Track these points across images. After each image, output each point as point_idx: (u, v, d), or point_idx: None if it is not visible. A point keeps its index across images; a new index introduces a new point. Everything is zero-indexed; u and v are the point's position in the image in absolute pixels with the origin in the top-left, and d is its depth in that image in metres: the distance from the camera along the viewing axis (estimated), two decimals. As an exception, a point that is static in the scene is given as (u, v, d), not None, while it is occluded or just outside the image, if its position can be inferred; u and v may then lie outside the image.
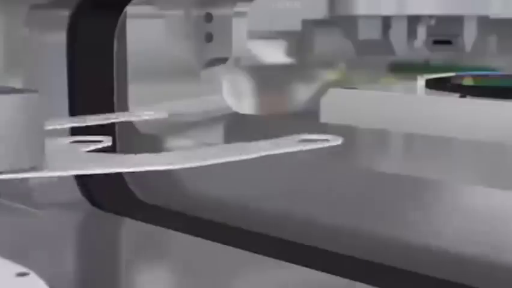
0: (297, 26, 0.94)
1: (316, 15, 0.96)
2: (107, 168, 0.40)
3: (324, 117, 0.79)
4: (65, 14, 0.68)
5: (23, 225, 0.61)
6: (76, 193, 0.69)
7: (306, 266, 0.53)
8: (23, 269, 0.34)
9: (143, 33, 0.76)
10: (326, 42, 0.99)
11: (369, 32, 0.98)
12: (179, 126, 0.75)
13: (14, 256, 0.37)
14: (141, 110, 0.47)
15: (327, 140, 0.43)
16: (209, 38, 0.83)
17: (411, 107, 0.71)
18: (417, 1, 0.97)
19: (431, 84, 0.81)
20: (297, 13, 0.93)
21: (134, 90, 0.73)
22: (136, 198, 0.73)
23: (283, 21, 0.92)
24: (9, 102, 0.36)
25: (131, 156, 0.41)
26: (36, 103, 0.37)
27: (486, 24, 0.97)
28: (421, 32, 0.98)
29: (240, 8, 0.82)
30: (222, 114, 0.80)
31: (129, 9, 0.72)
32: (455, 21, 0.97)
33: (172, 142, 0.71)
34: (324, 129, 0.66)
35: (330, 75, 1.02)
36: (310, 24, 0.96)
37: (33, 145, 0.37)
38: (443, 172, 0.58)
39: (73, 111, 0.68)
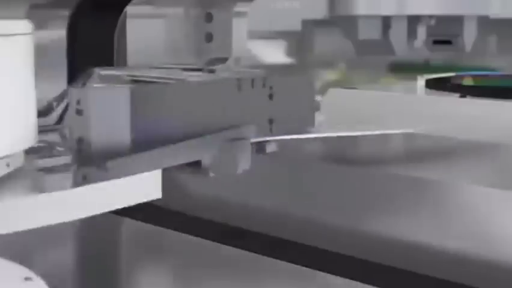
0: (297, 26, 0.94)
1: (316, 15, 0.96)
2: (355, 132, 0.57)
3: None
4: (65, 14, 0.68)
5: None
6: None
7: (306, 266, 0.53)
8: (29, 274, 0.34)
9: (143, 33, 0.76)
10: (326, 42, 0.99)
11: (369, 32, 0.98)
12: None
13: (15, 256, 0.37)
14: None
15: None
16: (209, 38, 0.83)
17: (411, 107, 0.71)
18: (417, 1, 0.97)
19: (431, 84, 0.81)
20: (297, 13, 0.93)
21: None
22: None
23: (283, 21, 0.92)
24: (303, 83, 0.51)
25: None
26: (310, 81, 0.52)
27: (486, 24, 0.97)
28: (421, 32, 0.98)
29: (240, 8, 0.82)
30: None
31: (129, 9, 0.72)
32: (455, 21, 0.97)
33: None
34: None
35: (330, 75, 1.02)
36: (310, 24, 0.96)
37: (312, 111, 0.51)
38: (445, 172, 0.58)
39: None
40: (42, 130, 0.40)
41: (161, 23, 0.80)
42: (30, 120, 0.38)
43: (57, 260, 0.57)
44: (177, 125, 0.42)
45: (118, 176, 0.39)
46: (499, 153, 0.63)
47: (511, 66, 0.95)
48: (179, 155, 0.42)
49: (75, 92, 0.40)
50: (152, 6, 0.79)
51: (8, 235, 0.36)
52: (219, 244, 0.58)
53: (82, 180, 0.37)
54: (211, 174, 0.44)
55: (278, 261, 0.54)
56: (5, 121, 0.36)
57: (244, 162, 0.46)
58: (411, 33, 0.99)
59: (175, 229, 0.62)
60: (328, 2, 0.96)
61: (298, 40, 0.97)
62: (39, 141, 0.40)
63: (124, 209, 0.69)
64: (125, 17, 0.72)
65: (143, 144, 0.40)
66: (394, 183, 0.55)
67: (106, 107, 0.39)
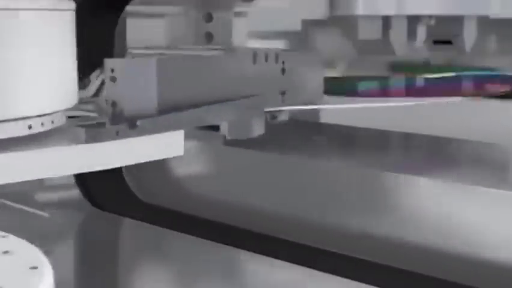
0: (297, 26, 0.94)
1: (316, 15, 0.96)
2: (361, 104, 0.56)
3: (324, 117, 0.79)
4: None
5: (23, 226, 0.61)
6: (76, 193, 0.69)
7: (306, 266, 0.53)
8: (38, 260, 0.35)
9: (143, 33, 0.76)
10: (326, 42, 0.99)
11: (369, 32, 0.98)
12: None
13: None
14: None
15: None
16: (209, 38, 0.83)
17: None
18: (417, 1, 0.97)
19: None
20: (297, 13, 0.93)
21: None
22: (136, 198, 0.73)
23: (283, 21, 0.92)
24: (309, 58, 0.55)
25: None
26: (319, 58, 0.55)
27: (486, 24, 0.97)
28: (421, 32, 0.98)
29: (240, 8, 0.82)
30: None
31: (129, 8, 0.72)
32: (455, 21, 0.97)
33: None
34: (324, 129, 0.66)
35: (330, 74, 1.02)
36: (310, 24, 0.96)
37: (320, 85, 0.55)
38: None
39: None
40: (80, 102, 0.47)
41: (161, 22, 0.80)
42: (72, 84, 0.45)
43: (58, 260, 0.56)
44: (198, 93, 0.48)
45: (145, 133, 0.45)
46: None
47: (511, 66, 0.95)
48: (200, 118, 0.47)
49: (110, 62, 0.47)
50: (152, 6, 0.79)
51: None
52: (219, 244, 0.58)
53: (115, 135, 0.44)
54: (228, 137, 0.49)
55: (278, 261, 0.54)
56: (52, 82, 0.43)
57: (258, 128, 0.51)
58: (411, 33, 0.99)
59: (175, 229, 0.62)
60: (328, 2, 0.96)
61: (298, 40, 0.97)
62: (79, 109, 0.47)
63: (124, 209, 0.69)
64: (125, 16, 0.72)
65: (168, 108, 0.46)
66: (394, 183, 0.55)
67: (136, 74, 0.46)
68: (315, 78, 0.54)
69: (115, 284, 0.55)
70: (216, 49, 0.54)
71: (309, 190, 0.60)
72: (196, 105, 0.47)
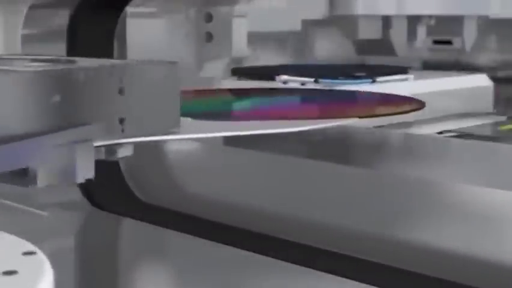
0: (297, 26, 0.94)
1: (316, 15, 0.96)
2: (233, 132, 0.46)
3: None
4: (65, 14, 0.68)
5: (23, 225, 0.61)
6: (76, 193, 0.69)
7: (306, 266, 0.53)
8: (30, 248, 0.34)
9: (143, 33, 0.76)
10: (326, 42, 0.99)
11: (369, 32, 0.98)
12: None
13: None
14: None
15: None
16: (209, 38, 0.83)
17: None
18: (417, 1, 0.97)
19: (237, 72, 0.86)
20: (297, 13, 0.93)
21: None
22: (136, 198, 0.73)
23: (283, 21, 0.92)
24: (154, 72, 0.40)
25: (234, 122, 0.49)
26: (174, 70, 0.41)
27: (486, 24, 0.97)
28: (421, 32, 0.98)
29: (239, 7, 0.82)
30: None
31: (129, 9, 0.72)
32: (455, 21, 0.97)
33: (172, 143, 0.71)
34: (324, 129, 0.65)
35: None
36: (311, 24, 0.96)
37: (173, 110, 0.41)
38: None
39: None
40: None
41: (161, 23, 0.80)
42: None
43: (58, 260, 0.57)
44: None
45: None
46: None
47: (510, 66, 0.95)
48: None
49: None
50: (152, 6, 0.79)
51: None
52: (219, 244, 0.58)
53: None
54: (41, 185, 0.35)
55: (278, 261, 0.54)
56: None
57: (86, 169, 0.37)
58: (411, 33, 0.99)
59: (175, 229, 0.62)
60: (328, 2, 0.96)
61: (299, 40, 0.97)
62: None
63: (124, 209, 0.69)
64: (125, 17, 0.72)
65: None
66: (392, 182, 0.55)
67: None
68: (168, 98, 0.41)
69: (115, 284, 0.55)
70: (40, 60, 0.41)
71: (309, 190, 0.60)
72: None
